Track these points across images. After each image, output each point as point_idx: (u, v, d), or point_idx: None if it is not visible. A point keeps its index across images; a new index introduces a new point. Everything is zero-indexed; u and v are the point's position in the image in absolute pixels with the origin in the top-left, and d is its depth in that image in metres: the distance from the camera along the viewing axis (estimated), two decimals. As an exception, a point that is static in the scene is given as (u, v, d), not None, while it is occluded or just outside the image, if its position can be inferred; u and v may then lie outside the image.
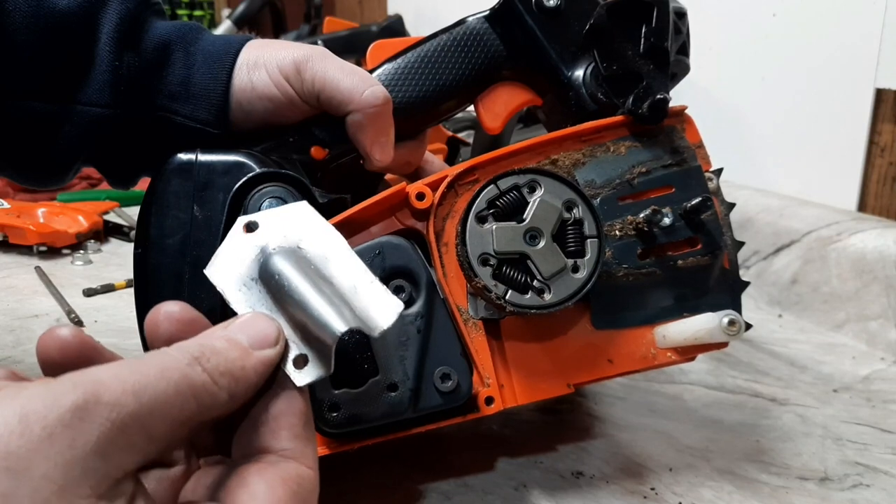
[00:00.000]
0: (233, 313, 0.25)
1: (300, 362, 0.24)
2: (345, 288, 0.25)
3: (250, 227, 0.26)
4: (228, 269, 0.26)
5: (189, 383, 0.21)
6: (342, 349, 0.34)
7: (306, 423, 0.24)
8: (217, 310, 0.36)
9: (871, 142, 0.69)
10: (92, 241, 0.82)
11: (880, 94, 0.67)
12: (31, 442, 0.17)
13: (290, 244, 0.26)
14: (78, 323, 0.62)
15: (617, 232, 0.39)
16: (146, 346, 0.39)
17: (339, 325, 0.23)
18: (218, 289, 0.25)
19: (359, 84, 0.39)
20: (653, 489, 0.41)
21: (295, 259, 0.25)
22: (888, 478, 0.43)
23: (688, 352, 0.39)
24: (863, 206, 0.70)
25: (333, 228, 0.26)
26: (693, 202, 0.38)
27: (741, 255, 0.65)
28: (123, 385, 0.19)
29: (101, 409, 0.18)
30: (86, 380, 0.19)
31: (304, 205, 0.27)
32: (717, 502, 0.40)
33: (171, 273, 0.37)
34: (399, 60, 0.43)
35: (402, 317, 0.36)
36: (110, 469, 0.19)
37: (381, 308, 0.24)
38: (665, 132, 0.40)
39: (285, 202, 0.36)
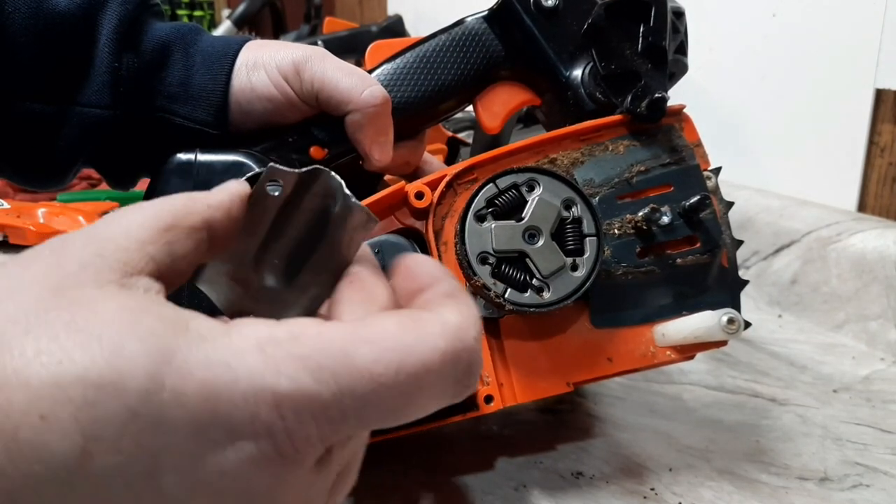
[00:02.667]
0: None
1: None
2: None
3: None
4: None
5: (153, 204, 0.22)
6: None
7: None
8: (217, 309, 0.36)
9: (871, 142, 0.69)
10: (92, 241, 0.82)
11: (880, 94, 0.67)
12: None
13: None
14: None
15: (616, 230, 0.39)
16: None
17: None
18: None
19: (358, 84, 0.39)
20: (653, 489, 0.41)
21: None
22: (888, 478, 0.43)
23: (687, 350, 0.39)
24: (863, 207, 0.70)
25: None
26: (692, 201, 0.38)
27: (741, 255, 0.65)
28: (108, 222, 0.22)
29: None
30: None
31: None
32: (717, 502, 0.40)
33: (170, 273, 0.37)
34: (398, 61, 0.43)
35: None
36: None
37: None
38: (663, 131, 0.40)
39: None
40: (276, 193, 0.24)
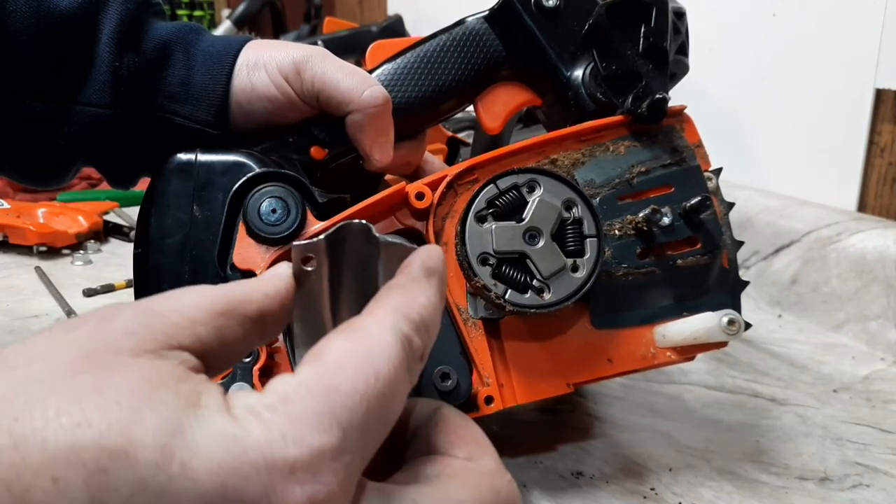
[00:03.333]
0: None
1: None
2: None
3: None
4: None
5: (214, 288, 0.23)
6: None
7: None
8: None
9: (871, 142, 0.69)
10: (92, 241, 0.82)
11: (880, 94, 0.67)
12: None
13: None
14: (78, 323, 0.62)
15: (616, 231, 0.39)
16: None
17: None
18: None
19: (358, 84, 0.39)
20: (653, 489, 0.41)
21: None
22: (888, 478, 0.43)
23: (687, 351, 0.39)
24: (863, 206, 0.70)
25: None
26: (692, 202, 0.38)
27: (741, 255, 0.65)
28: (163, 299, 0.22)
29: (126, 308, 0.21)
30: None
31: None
32: (716, 502, 0.40)
33: (170, 273, 0.37)
34: (398, 61, 0.43)
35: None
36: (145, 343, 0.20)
37: None
38: (664, 132, 0.40)
39: (284, 202, 0.36)
40: (312, 269, 0.25)
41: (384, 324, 0.21)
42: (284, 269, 0.25)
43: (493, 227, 0.36)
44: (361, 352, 0.20)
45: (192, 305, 0.21)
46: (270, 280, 0.24)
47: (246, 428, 0.18)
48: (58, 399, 0.17)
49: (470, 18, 0.44)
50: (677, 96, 0.42)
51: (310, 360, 0.20)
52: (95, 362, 0.18)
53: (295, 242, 0.25)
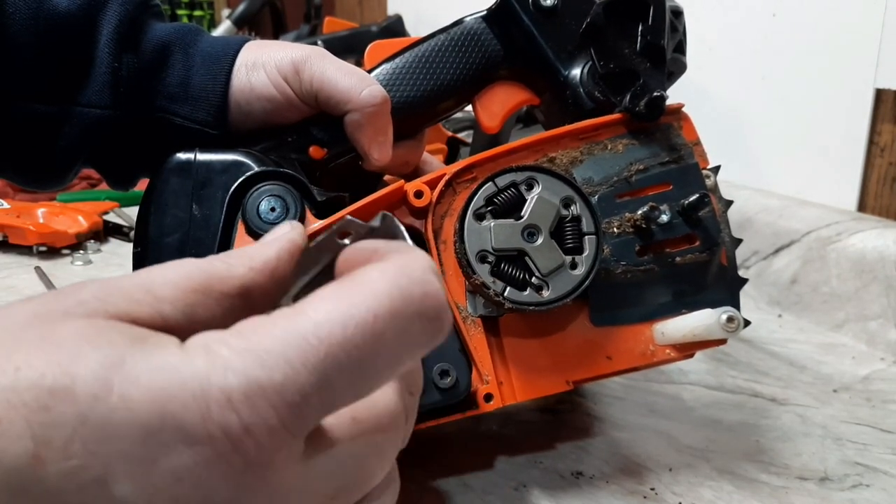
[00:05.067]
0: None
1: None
2: None
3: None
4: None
5: (196, 263, 0.22)
6: None
7: None
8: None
9: (871, 142, 0.69)
10: (92, 241, 0.82)
11: (880, 94, 0.67)
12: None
13: None
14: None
15: (615, 229, 0.39)
16: None
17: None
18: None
19: (357, 84, 0.39)
20: (653, 489, 0.41)
21: None
22: (888, 478, 0.43)
23: (686, 349, 0.39)
24: (862, 206, 0.70)
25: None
26: (690, 199, 0.38)
27: (741, 255, 0.65)
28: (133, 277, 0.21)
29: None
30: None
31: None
32: (716, 502, 0.40)
33: (169, 272, 0.37)
34: (397, 60, 0.43)
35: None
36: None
37: None
38: (662, 130, 0.40)
39: (283, 201, 0.36)
40: (349, 242, 0.23)
41: (377, 280, 0.19)
42: (287, 237, 0.24)
43: (492, 224, 0.36)
44: (342, 297, 0.19)
45: (164, 282, 0.21)
46: (260, 250, 0.23)
47: (191, 359, 0.18)
48: (2, 352, 0.18)
49: (468, 18, 0.44)
50: (677, 96, 0.42)
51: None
52: (44, 320, 0.19)
53: (349, 217, 0.24)
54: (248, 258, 0.23)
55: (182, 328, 0.20)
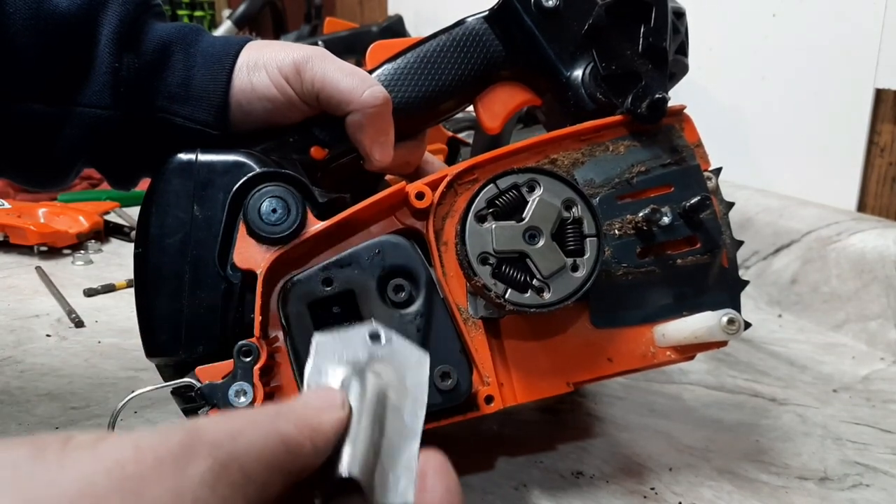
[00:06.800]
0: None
1: None
2: (388, 451, 0.25)
3: (374, 336, 0.26)
4: (333, 349, 0.26)
5: (276, 430, 0.21)
6: None
7: None
8: (218, 308, 0.36)
9: (871, 142, 0.69)
10: (92, 241, 0.82)
11: (880, 94, 0.67)
12: (145, 468, 0.18)
13: (391, 377, 0.26)
14: (79, 323, 0.62)
15: (616, 231, 0.39)
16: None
17: (348, 469, 0.22)
18: (312, 352, 0.25)
19: (358, 84, 0.39)
20: (653, 489, 0.41)
21: (382, 389, 0.25)
22: (888, 478, 0.43)
23: (687, 350, 0.39)
24: (862, 206, 0.71)
25: (425, 400, 0.26)
26: (692, 201, 0.38)
27: (741, 255, 0.65)
28: (221, 429, 0.20)
29: (204, 446, 0.19)
30: (188, 425, 0.20)
31: (427, 360, 0.27)
32: (717, 502, 0.40)
33: (171, 273, 0.37)
34: (398, 61, 0.43)
35: (401, 315, 0.36)
36: (216, 502, 0.19)
37: (400, 490, 0.24)
38: (664, 131, 0.40)
39: (285, 202, 0.36)
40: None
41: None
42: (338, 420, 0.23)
43: (493, 226, 0.36)
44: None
45: (256, 458, 0.20)
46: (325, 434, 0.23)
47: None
48: None
49: (470, 19, 0.44)
50: (677, 96, 0.42)
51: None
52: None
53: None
54: (313, 430, 0.22)
55: None
